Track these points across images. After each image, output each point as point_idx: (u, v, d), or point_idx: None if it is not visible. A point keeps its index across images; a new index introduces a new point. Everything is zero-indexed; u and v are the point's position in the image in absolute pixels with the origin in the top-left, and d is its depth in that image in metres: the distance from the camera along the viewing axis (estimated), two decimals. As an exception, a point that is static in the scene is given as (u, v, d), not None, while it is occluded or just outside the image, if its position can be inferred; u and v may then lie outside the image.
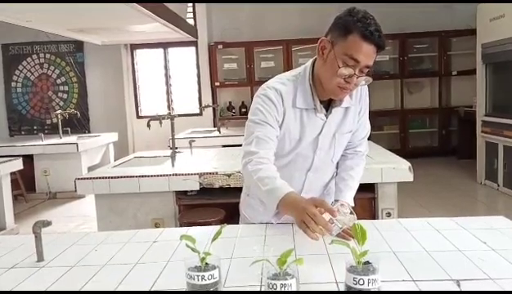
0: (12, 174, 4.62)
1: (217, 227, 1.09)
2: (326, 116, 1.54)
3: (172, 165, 3.04)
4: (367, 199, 2.71)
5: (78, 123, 7.78)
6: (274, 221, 1.59)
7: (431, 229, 1.46)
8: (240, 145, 1.57)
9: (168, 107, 8.01)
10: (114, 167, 3.29)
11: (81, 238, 1.52)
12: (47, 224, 1.31)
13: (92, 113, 7.95)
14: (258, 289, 1.05)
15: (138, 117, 8.05)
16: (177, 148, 3.30)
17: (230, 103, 7.82)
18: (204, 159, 3.27)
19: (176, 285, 1.08)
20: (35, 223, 1.30)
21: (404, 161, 2.72)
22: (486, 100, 5.56)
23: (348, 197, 1.59)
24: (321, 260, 1.22)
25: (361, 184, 1.70)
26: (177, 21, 5.41)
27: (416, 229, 1.46)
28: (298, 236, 1.38)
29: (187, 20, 6.66)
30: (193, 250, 1.00)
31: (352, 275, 0.94)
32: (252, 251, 1.23)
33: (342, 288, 1.02)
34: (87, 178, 2.78)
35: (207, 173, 2.69)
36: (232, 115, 7.67)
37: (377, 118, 7.09)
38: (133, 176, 2.73)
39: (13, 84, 7.93)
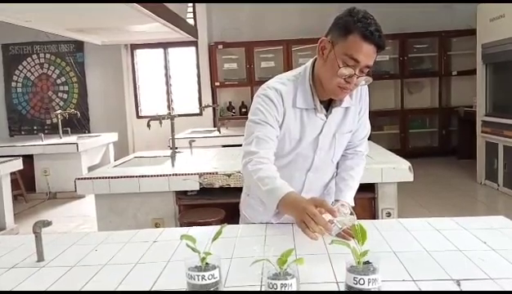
0: (12, 174, 4.62)
1: (218, 227, 1.09)
2: (326, 116, 1.54)
3: (173, 165, 3.04)
4: (367, 199, 2.71)
5: (78, 123, 7.78)
6: (274, 221, 1.59)
7: (431, 229, 1.46)
8: (240, 145, 1.57)
9: (168, 107, 8.01)
10: (114, 167, 3.29)
11: (81, 238, 1.52)
12: (48, 224, 1.31)
13: (92, 113, 7.95)
14: (259, 289, 1.05)
15: (138, 117, 8.05)
16: (177, 148, 3.30)
17: (230, 103, 7.82)
18: (204, 159, 3.27)
19: (176, 285, 1.08)
20: (35, 223, 1.30)
21: (404, 161, 2.72)
22: (486, 100, 5.56)
23: (348, 197, 1.59)
24: (321, 259, 1.22)
25: (361, 184, 1.70)
26: (177, 21, 5.41)
27: (416, 229, 1.46)
28: (298, 236, 1.38)
29: (187, 20, 6.66)
30: (193, 250, 1.00)
31: (352, 275, 0.94)
32: (252, 251, 1.23)
33: (342, 288, 1.02)
34: (87, 178, 2.78)
35: (207, 173, 2.69)
36: (232, 115, 7.67)
37: (377, 118, 7.09)
38: (133, 176, 2.73)
39: (13, 84, 7.94)
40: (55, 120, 7.12)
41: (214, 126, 6.69)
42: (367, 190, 2.64)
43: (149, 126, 3.07)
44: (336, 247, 1.04)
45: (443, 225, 1.48)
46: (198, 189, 2.71)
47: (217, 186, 2.68)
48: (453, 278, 1.07)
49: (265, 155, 1.45)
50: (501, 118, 5.16)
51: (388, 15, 5.63)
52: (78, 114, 7.02)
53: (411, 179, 2.63)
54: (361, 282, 0.93)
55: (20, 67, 7.90)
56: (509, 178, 5.12)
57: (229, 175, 2.67)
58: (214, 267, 0.99)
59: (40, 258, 1.31)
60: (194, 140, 3.70)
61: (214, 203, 2.71)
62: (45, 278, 1.18)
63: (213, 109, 7.29)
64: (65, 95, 7.97)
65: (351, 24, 1.35)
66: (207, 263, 0.99)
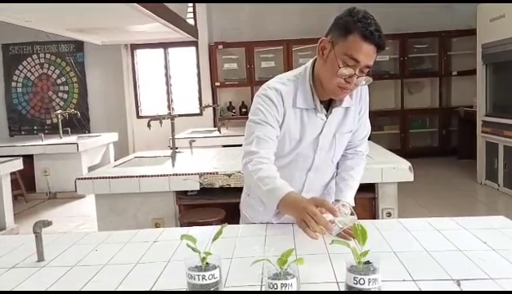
0: (12, 174, 4.62)
1: (218, 227, 1.09)
2: (327, 116, 1.54)
3: (173, 165, 3.04)
4: (367, 199, 2.71)
5: (79, 123, 7.78)
6: (274, 221, 1.59)
7: (431, 229, 1.46)
8: (241, 145, 1.57)
9: (169, 107, 8.01)
10: (115, 166, 3.29)
11: (81, 238, 1.52)
12: (48, 224, 1.31)
13: (92, 113, 7.95)
14: (259, 289, 1.05)
15: (138, 117, 8.05)
16: (177, 148, 3.30)
17: (230, 103, 7.82)
18: (205, 159, 3.27)
19: (176, 285, 1.08)
20: (36, 223, 1.30)
21: (404, 161, 2.72)
22: (486, 100, 5.56)
23: (349, 197, 1.59)
24: (321, 259, 1.22)
25: (361, 184, 1.70)
26: (178, 21, 5.42)
27: (417, 229, 1.46)
28: (298, 236, 1.38)
29: (187, 20, 6.66)
30: (194, 250, 1.00)
31: (352, 275, 0.94)
32: (252, 250, 1.23)
33: (342, 288, 1.02)
34: (88, 178, 2.78)
35: (207, 173, 2.69)
36: (232, 115, 7.67)
37: (377, 117, 7.08)
38: (133, 176, 2.73)
39: (13, 84, 7.94)
40: (55, 120, 7.12)
41: (214, 126, 6.69)
42: (367, 190, 2.64)
43: (149, 126, 3.07)
44: (336, 247, 1.04)
45: (443, 225, 1.48)
46: (198, 189, 2.71)
47: (217, 186, 2.68)
48: (453, 278, 1.07)
49: (265, 155, 1.45)
50: (501, 118, 5.16)
51: (388, 15, 5.64)
52: (79, 114, 7.01)
53: (411, 179, 2.63)
54: (362, 282, 0.93)
55: (20, 67, 7.90)
56: (510, 178, 5.12)
57: (229, 175, 2.67)
58: (215, 267, 0.99)
59: (40, 258, 1.31)
60: (194, 140, 3.70)
61: (214, 203, 2.71)
62: (45, 278, 1.18)
63: (214, 109, 7.30)
64: (65, 95, 7.97)
65: (351, 24, 1.35)
66: (207, 263, 0.99)
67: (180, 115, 4.04)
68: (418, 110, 7.69)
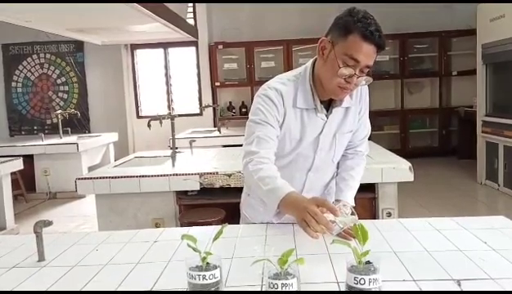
0: (12, 174, 4.62)
1: (218, 227, 1.10)
2: (327, 116, 1.54)
3: (173, 165, 3.04)
4: (368, 199, 2.71)
5: (79, 123, 7.78)
6: (275, 221, 1.59)
7: (432, 229, 1.46)
8: (241, 145, 1.57)
9: (169, 107, 8.01)
10: (115, 166, 3.29)
11: (82, 238, 1.52)
12: (48, 223, 1.31)
13: (92, 113, 7.95)
14: (259, 289, 1.05)
15: (138, 117, 8.05)
16: (177, 148, 3.30)
17: (230, 103, 7.82)
18: (205, 159, 3.27)
19: (177, 285, 1.08)
20: (36, 223, 1.30)
21: (404, 161, 2.72)
22: (486, 100, 5.56)
23: (349, 196, 1.59)
24: (321, 259, 1.22)
25: (361, 184, 1.70)
26: (178, 21, 5.42)
27: (417, 229, 1.46)
28: (298, 236, 1.38)
29: (187, 20, 6.66)
30: (194, 249, 1.00)
31: (353, 275, 0.94)
32: (253, 250, 1.23)
33: (343, 288, 1.02)
34: (88, 178, 2.78)
35: (207, 173, 2.69)
36: (232, 115, 7.67)
37: (377, 117, 7.08)
38: (134, 176, 2.73)
39: (13, 84, 7.94)
40: (55, 120, 7.12)
41: (214, 126, 6.69)
42: (368, 190, 2.65)
43: (149, 126, 3.07)
44: (337, 247, 1.04)
45: (444, 225, 1.48)
46: (198, 189, 2.71)
47: (217, 186, 2.68)
48: (454, 278, 1.07)
49: (266, 155, 1.45)
50: (501, 118, 5.16)
51: (388, 15, 5.64)
52: (79, 114, 7.01)
53: (412, 179, 2.63)
54: (362, 282, 0.93)
55: (20, 67, 7.90)
56: (510, 178, 5.12)
57: (229, 175, 2.67)
58: (215, 267, 0.99)
59: (41, 258, 1.31)
60: (194, 140, 3.70)
61: (215, 203, 2.71)
62: (46, 278, 1.19)
63: (214, 109, 7.29)
64: (65, 95, 7.97)
65: (351, 24, 1.35)
66: (208, 263, 0.99)
67: (180, 115, 4.04)
68: (418, 110, 7.69)
